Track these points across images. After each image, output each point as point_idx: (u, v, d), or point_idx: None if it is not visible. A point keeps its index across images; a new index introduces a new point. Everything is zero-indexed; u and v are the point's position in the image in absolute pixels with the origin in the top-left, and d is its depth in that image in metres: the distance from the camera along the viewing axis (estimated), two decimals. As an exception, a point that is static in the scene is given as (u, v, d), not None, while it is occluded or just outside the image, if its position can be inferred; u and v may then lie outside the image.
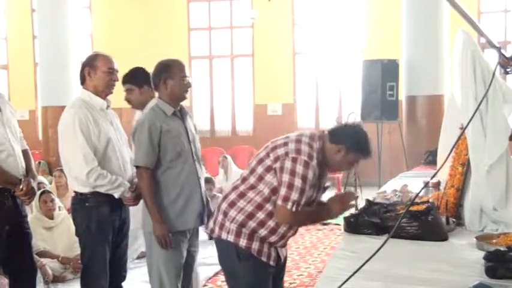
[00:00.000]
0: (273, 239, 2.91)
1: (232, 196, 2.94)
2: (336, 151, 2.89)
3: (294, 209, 2.79)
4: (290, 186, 2.77)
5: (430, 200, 4.13)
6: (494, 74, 3.53)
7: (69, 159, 3.54)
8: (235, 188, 2.96)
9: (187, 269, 3.63)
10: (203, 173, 3.73)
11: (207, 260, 5.32)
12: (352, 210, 3.50)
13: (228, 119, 12.11)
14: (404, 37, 9.19)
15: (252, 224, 2.87)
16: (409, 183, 5.39)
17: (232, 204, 2.92)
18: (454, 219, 4.05)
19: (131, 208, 3.79)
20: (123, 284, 3.86)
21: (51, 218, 5.40)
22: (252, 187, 2.90)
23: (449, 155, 3.80)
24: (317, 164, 2.84)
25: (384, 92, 8.76)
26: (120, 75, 3.72)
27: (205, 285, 5.13)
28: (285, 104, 11.56)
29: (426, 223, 3.69)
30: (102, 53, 3.68)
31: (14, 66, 12.70)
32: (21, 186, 3.49)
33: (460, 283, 2.84)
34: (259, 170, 2.89)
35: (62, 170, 7.16)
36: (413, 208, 3.75)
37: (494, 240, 3.50)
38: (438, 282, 2.89)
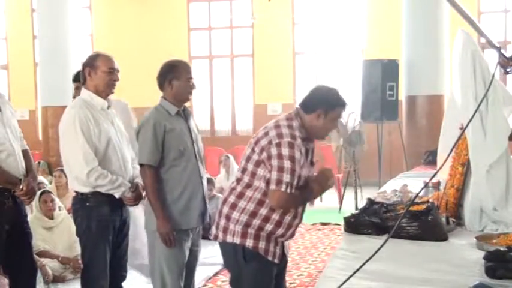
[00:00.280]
0: (280, 231, 2.91)
1: (232, 198, 2.94)
2: (316, 118, 2.92)
3: (288, 190, 2.79)
4: (280, 169, 2.78)
5: (430, 200, 4.13)
6: (494, 74, 3.53)
7: (69, 159, 3.54)
8: (232, 189, 2.97)
9: (189, 268, 3.63)
10: (205, 173, 3.74)
11: (207, 260, 5.32)
12: (353, 210, 3.50)
13: (228, 119, 12.11)
14: (404, 37, 9.20)
15: (256, 221, 2.87)
16: (409, 183, 5.39)
17: (233, 207, 2.92)
18: (454, 219, 4.06)
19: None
20: (123, 284, 3.86)
21: (51, 218, 5.40)
22: (248, 185, 2.91)
23: (449, 155, 3.81)
24: (302, 140, 2.87)
25: (384, 92, 8.76)
26: (120, 75, 3.72)
27: (205, 285, 5.14)
28: (285, 104, 11.56)
29: (426, 223, 3.70)
30: (102, 52, 3.68)
31: (14, 66, 12.71)
32: (21, 186, 3.49)
33: (460, 283, 2.84)
34: (250, 167, 2.91)
35: (62, 170, 7.17)
36: (413, 208, 3.75)
37: (494, 240, 3.50)
38: (438, 282, 2.89)
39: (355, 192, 8.20)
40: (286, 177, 2.78)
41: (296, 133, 2.86)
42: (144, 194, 3.72)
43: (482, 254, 3.16)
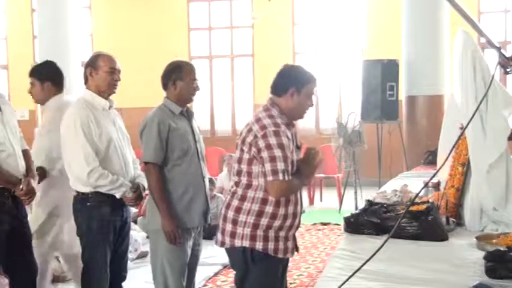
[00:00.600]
0: (288, 223, 2.93)
1: (235, 202, 2.94)
2: (290, 98, 2.94)
3: (286, 177, 2.80)
4: (272, 159, 2.80)
5: (430, 200, 4.13)
6: (494, 74, 3.53)
7: (70, 159, 3.55)
8: (234, 193, 2.97)
9: (190, 267, 3.64)
10: (207, 173, 3.76)
11: (207, 260, 5.33)
12: (353, 210, 3.51)
13: (228, 119, 12.11)
14: (404, 37, 9.20)
15: (264, 220, 2.88)
16: (409, 183, 5.39)
17: (238, 210, 2.92)
18: (454, 219, 4.06)
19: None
20: (123, 284, 3.86)
21: (51, 218, 5.39)
22: (248, 186, 2.91)
23: (449, 155, 3.81)
24: (286, 125, 2.90)
25: (384, 92, 8.76)
26: (121, 75, 3.73)
27: (205, 285, 5.14)
28: (285, 104, 11.55)
29: (426, 223, 3.70)
30: (104, 53, 3.69)
31: (14, 66, 12.70)
32: (21, 186, 3.49)
33: (460, 283, 2.84)
34: (244, 167, 2.92)
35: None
36: (413, 208, 3.75)
37: (494, 240, 3.50)
38: (438, 282, 2.89)
39: (355, 192, 8.20)
40: (280, 166, 2.79)
41: (278, 120, 2.89)
42: (144, 194, 3.73)
43: (482, 254, 3.16)
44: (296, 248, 3.09)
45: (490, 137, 4.08)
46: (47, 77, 4.02)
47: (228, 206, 2.97)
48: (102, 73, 3.58)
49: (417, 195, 3.65)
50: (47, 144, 3.86)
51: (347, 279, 2.72)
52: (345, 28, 11.55)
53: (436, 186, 4.61)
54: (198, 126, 3.78)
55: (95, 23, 12.42)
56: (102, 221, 3.55)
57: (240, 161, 2.94)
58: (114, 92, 3.67)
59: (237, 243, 2.91)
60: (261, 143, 2.83)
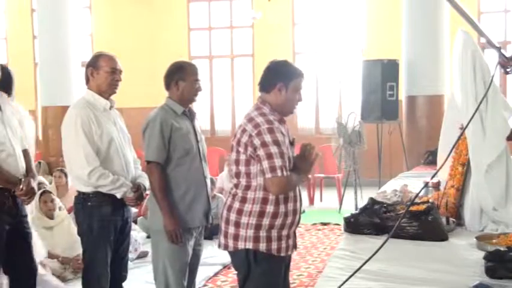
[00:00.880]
0: (289, 220, 2.93)
1: (236, 204, 2.93)
2: (279, 93, 2.94)
3: (284, 173, 2.80)
4: (269, 156, 2.79)
5: (430, 200, 4.13)
6: (494, 74, 3.53)
7: (71, 158, 3.55)
8: (234, 195, 2.96)
9: (191, 267, 3.64)
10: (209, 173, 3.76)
11: (207, 260, 5.32)
12: (353, 210, 3.51)
13: (228, 119, 12.11)
14: (404, 37, 9.20)
15: (266, 220, 2.87)
16: (409, 183, 5.39)
17: (240, 212, 2.91)
18: (454, 219, 4.06)
19: None
20: (123, 284, 3.86)
21: (52, 218, 5.40)
22: (247, 187, 2.91)
23: (449, 155, 3.81)
24: (279, 122, 2.92)
25: (384, 92, 8.75)
26: (121, 75, 3.72)
27: (205, 285, 5.14)
28: (285, 104, 11.55)
29: (426, 223, 3.70)
30: (105, 53, 3.69)
31: (14, 66, 12.64)
32: (21, 186, 3.49)
33: (460, 283, 2.84)
34: (242, 169, 2.91)
35: (62, 170, 7.19)
36: (413, 208, 3.75)
37: (494, 240, 3.50)
38: (438, 282, 2.89)
39: (355, 192, 8.20)
40: (278, 162, 2.79)
41: (271, 117, 2.89)
42: (145, 194, 3.73)
43: (482, 254, 3.16)
44: (295, 246, 3.08)
45: (489, 137, 4.08)
46: None
47: (229, 209, 2.96)
48: (103, 73, 3.58)
49: (417, 195, 3.65)
50: None
51: (347, 279, 2.72)
52: (345, 28, 11.55)
53: (436, 186, 4.61)
54: (200, 126, 3.79)
55: (95, 23, 12.42)
56: (103, 221, 3.55)
57: (237, 162, 2.93)
58: (115, 92, 3.68)
59: (240, 245, 2.90)
60: (257, 142, 2.83)
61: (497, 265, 2.92)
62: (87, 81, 3.64)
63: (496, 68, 3.42)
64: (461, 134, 3.94)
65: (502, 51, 3.47)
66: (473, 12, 10.26)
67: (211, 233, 5.47)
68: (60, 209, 5.58)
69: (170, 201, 3.45)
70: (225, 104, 12.16)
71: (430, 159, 7.71)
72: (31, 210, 5.24)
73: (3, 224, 3.49)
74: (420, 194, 4.20)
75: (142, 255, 5.86)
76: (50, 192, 5.55)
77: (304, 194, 8.92)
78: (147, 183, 3.70)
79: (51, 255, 5.18)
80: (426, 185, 4.27)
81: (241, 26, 12.00)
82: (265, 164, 2.80)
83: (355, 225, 3.93)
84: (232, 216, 2.93)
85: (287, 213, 2.92)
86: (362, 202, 6.84)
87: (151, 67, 11.24)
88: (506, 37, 10.80)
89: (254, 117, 2.90)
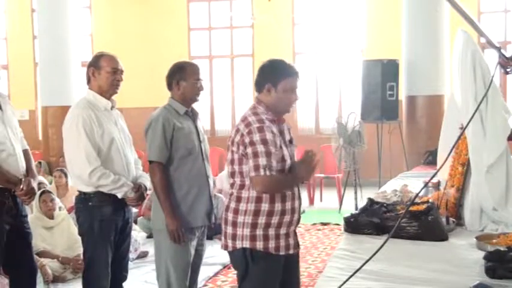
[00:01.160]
0: (286, 219, 2.91)
1: (232, 204, 2.95)
2: (268, 94, 2.94)
3: (267, 173, 2.80)
4: (255, 154, 2.81)
5: (430, 200, 4.14)
6: (494, 74, 3.53)
7: (72, 158, 3.55)
8: (230, 195, 2.99)
9: (193, 267, 3.65)
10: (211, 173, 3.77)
11: (207, 260, 5.31)
12: (353, 210, 3.51)
13: (228, 119, 12.11)
14: (404, 37, 9.20)
15: (262, 219, 2.88)
16: (409, 183, 5.39)
17: (236, 211, 2.93)
18: (454, 219, 4.06)
19: None
20: (123, 284, 3.86)
21: (52, 218, 5.39)
22: (242, 186, 2.92)
23: (449, 155, 3.81)
24: (273, 122, 2.91)
25: (384, 92, 8.75)
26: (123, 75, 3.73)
27: (205, 285, 5.14)
28: (285, 104, 11.54)
29: (426, 223, 3.70)
30: (106, 53, 3.69)
31: (14, 66, 12.70)
32: (21, 186, 3.49)
33: (460, 283, 2.84)
34: (236, 168, 2.93)
35: (62, 170, 7.19)
36: (413, 208, 3.76)
37: (494, 240, 3.50)
38: (438, 282, 2.90)
39: (355, 192, 8.20)
40: (262, 161, 2.80)
41: (263, 117, 2.90)
42: (146, 194, 3.74)
43: (482, 254, 3.16)
44: (297, 244, 3.06)
45: (490, 137, 4.08)
46: None
47: (227, 209, 2.99)
48: (105, 73, 3.59)
49: (417, 195, 3.65)
50: None
51: (347, 279, 2.73)
52: (345, 28, 11.54)
53: (436, 186, 4.61)
54: (203, 126, 3.80)
55: (95, 23, 12.42)
56: (104, 221, 3.55)
57: (232, 162, 2.95)
58: (116, 92, 3.68)
59: (238, 244, 2.91)
60: (246, 140, 2.85)
61: (497, 265, 2.93)
62: (89, 81, 3.65)
63: (496, 68, 3.42)
64: (461, 134, 3.94)
65: (502, 51, 3.47)
66: (473, 12, 10.26)
67: (212, 232, 5.47)
68: (60, 209, 5.58)
69: (172, 200, 3.46)
70: (225, 104, 12.16)
71: (430, 159, 7.72)
72: (31, 210, 5.25)
73: (4, 224, 3.49)
74: (420, 194, 4.20)
75: (142, 255, 5.86)
76: (50, 192, 5.54)
77: (304, 194, 8.92)
78: (147, 183, 3.71)
79: (51, 255, 5.18)
80: (426, 185, 4.27)
81: (241, 26, 12.00)
82: (251, 162, 2.82)
83: (355, 225, 3.93)
84: (230, 216, 2.95)
85: (284, 211, 2.91)
86: (362, 202, 6.84)
87: (151, 67, 11.24)
88: (506, 37, 10.80)
89: (247, 117, 2.93)
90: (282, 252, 2.93)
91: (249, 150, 2.83)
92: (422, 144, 8.55)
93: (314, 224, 7.60)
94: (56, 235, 5.37)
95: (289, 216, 2.93)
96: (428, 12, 8.89)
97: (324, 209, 9.12)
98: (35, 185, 3.61)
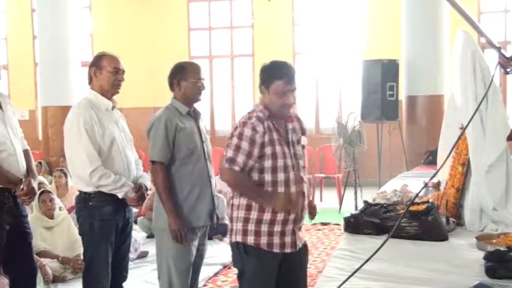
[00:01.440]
0: (280, 216, 2.92)
1: (231, 201, 3.06)
2: (263, 96, 2.99)
3: (227, 165, 2.88)
4: (227, 146, 2.93)
5: (430, 200, 4.14)
6: (494, 74, 3.53)
7: (73, 158, 3.55)
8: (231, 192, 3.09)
9: (195, 267, 3.66)
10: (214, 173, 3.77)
11: (207, 260, 5.30)
12: (353, 210, 3.51)
13: (228, 119, 12.11)
14: (404, 37, 9.20)
15: (254, 214, 2.91)
16: (409, 183, 5.39)
17: (232, 207, 3.02)
18: (454, 219, 4.06)
19: None
20: (123, 284, 3.86)
21: (51, 217, 5.39)
22: None
23: (449, 155, 3.81)
24: (269, 118, 2.92)
25: (384, 92, 8.75)
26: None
27: (205, 285, 5.14)
28: (284, 104, 11.54)
29: (426, 223, 3.70)
30: (108, 53, 3.69)
31: (14, 66, 12.70)
32: (21, 186, 3.49)
33: (460, 283, 2.84)
34: None
35: (62, 170, 7.19)
36: (413, 208, 3.75)
37: (494, 240, 3.50)
38: (438, 282, 2.90)
39: (355, 192, 8.20)
40: (229, 153, 2.89)
41: (253, 114, 2.94)
42: (146, 194, 3.74)
43: (482, 254, 3.16)
44: (295, 243, 3.03)
45: (490, 137, 4.08)
46: None
47: (229, 205, 3.10)
48: (106, 73, 3.59)
49: (417, 195, 3.65)
50: None
51: (347, 279, 2.73)
52: (345, 28, 11.54)
53: (436, 186, 4.62)
54: (205, 126, 3.81)
55: (95, 23, 12.42)
56: (104, 221, 3.55)
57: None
58: (118, 92, 3.68)
59: (233, 238, 2.99)
60: (230, 134, 2.95)
61: (497, 265, 2.93)
62: (90, 81, 3.65)
63: (496, 68, 3.42)
64: (461, 134, 3.94)
65: (502, 51, 3.47)
66: (473, 12, 10.26)
67: (212, 232, 5.46)
68: (60, 209, 5.58)
69: (175, 200, 3.46)
70: (225, 104, 12.16)
71: (430, 159, 7.71)
72: (31, 210, 5.25)
73: (4, 224, 3.49)
74: (420, 194, 4.20)
75: (142, 255, 5.86)
76: (50, 192, 5.54)
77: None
78: (148, 184, 3.72)
79: (51, 255, 5.18)
80: (426, 185, 4.27)
81: (241, 26, 12.00)
82: (225, 153, 2.94)
83: (355, 225, 3.93)
84: (229, 212, 3.06)
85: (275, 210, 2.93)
86: (362, 202, 6.84)
87: (151, 67, 11.24)
88: (506, 37, 10.80)
89: (243, 117, 3.00)
90: (276, 250, 2.94)
91: (228, 142, 2.93)
92: (422, 144, 8.55)
93: (314, 224, 7.59)
94: (56, 235, 5.37)
95: (282, 214, 2.93)
96: (428, 12, 8.89)
97: (324, 209, 9.11)
98: (35, 185, 3.61)
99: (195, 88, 3.58)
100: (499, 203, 4.03)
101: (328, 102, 11.67)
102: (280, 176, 2.92)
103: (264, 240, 2.91)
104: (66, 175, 7.02)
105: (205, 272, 5.16)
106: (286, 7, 11.56)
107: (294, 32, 11.74)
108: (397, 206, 4.02)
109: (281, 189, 2.92)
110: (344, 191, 8.91)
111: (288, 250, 2.97)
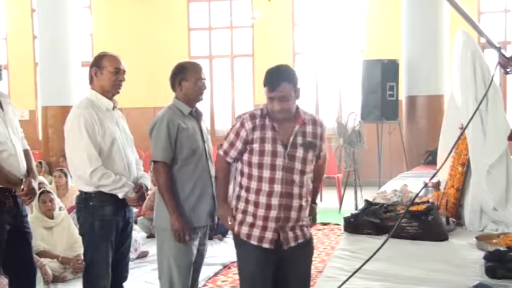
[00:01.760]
0: (261, 212, 2.99)
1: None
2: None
3: (221, 153, 3.11)
4: (225, 137, 3.14)
5: (430, 200, 4.14)
6: (494, 74, 3.54)
7: (73, 158, 3.55)
8: None
9: (195, 266, 3.66)
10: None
11: (207, 260, 5.30)
12: (353, 210, 3.53)
13: (228, 119, 12.11)
14: (404, 37, 9.20)
15: (241, 204, 3.05)
16: (409, 183, 5.39)
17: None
18: (454, 219, 4.06)
19: None
20: (124, 284, 3.86)
21: (51, 217, 5.39)
22: (241, 172, 3.11)
23: (449, 155, 3.81)
24: (263, 116, 3.02)
25: (384, 92, 8.75)
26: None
27: (205, 285, 5.14)
28: (285, 104, 11.54)
29: (426, 223, 3.70)
30: (109, 53, 3.69)
31: (14, 66, 12.71)
32: (22, 186, 3.49)
33: (460, 283, 2.84)
34: None
35: (61, 170, 7.19)
36: (413, 208, 3.75)
37: (494, 240, 3.50)
38: (438, 282, 2.90)
39: (355, 192, 8.20)
40: (224, 143, 3.11)
41: (252, 111, 3.08)
42: (147, 194, 3.74)
43: (482, 254, 3.16)
44: (307, 245, 3.08)
45: (490, 137, 4.08)
46: None
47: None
48: (107, 73, 3.59)
49: (417, 195, 3.65)
50: None
51: (347, 279, 2.73)
52: (344, 28, 11.55)
53: (436, 186, 4.61)
54: (206, 126, 3.81)
55: (95, 23, 12.42)
56: (104, 221, 3.55)
57: None
58: (119, 92, 3.69)
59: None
60: None
61: (497, 265, 2.93)
62: (91, 81, 3.65)
63: (496, 68, 3.42)
64: (461, 134, 3.95)
65: (502, 51, 3.48)
66: (473, 12, 10.26)
67: (212, 232, 5.46)
68: (60, 209, 5.58)
69: (176, 200, 3.46)
70: (225, 104, 12.16)
71: (430, 159, 7.71)
72: (31, 210, 5.25)
73: (4, 224, 3.49)
74: (420, 194, 4.20)
75: (142, 255, 5.86)
76: (50, 192, 5.54)
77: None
78: (148, 184, 3.73)
79: (51, 255, 5.19)
80: (426, 185, 4.27)
81: (241, 26, 12.00)
82: None
83: (355, 225, 3.93)
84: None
85: (258, 204, 2.99)
86: (362, 202, 6.84)
87: (151, 67, 11.24)
88: (506, 37, 10.80)
89: None
90: (253, 242, 3.00)
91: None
92: (422, 144, 8.55)
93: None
94: (56, 235, 5.37)
95: (263, 211, 2.99)
96: (428, 12, 8.88)
97: (324, 209, 9.11)
98: (35, 185, 3.61)
99: (196, 88, 3.59)
100: (499, 203, 4.03)
101: (328, 102, 11.67)
102: (266, 173, 2.98)
103: (244, 230, 3.03)
104: (66, 175, 7.02)
105: (205, 272, 5.16)
106: (286, 7, 11.56)
107: (294, 32, 11.74)
108: (397, 206, 4.02)
109: (265, 185, 2.98)
110: (344, 191, 8.91)
111: (264, 245, 3.00)
